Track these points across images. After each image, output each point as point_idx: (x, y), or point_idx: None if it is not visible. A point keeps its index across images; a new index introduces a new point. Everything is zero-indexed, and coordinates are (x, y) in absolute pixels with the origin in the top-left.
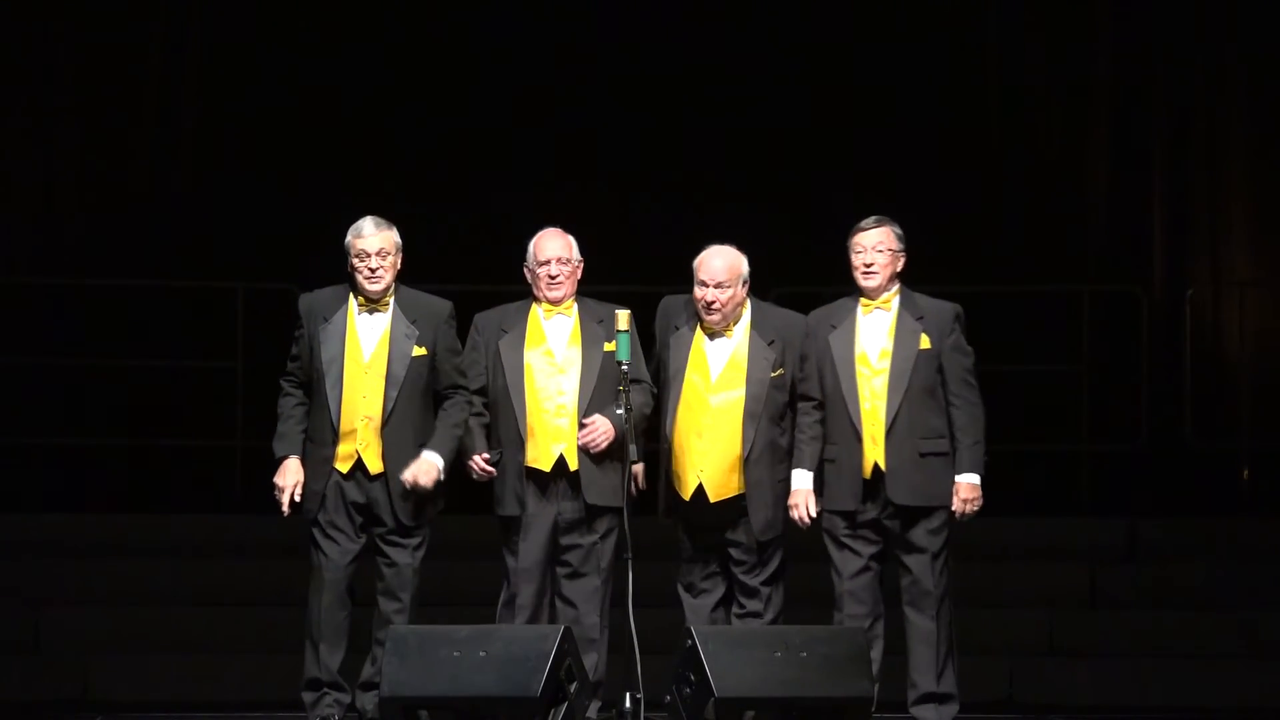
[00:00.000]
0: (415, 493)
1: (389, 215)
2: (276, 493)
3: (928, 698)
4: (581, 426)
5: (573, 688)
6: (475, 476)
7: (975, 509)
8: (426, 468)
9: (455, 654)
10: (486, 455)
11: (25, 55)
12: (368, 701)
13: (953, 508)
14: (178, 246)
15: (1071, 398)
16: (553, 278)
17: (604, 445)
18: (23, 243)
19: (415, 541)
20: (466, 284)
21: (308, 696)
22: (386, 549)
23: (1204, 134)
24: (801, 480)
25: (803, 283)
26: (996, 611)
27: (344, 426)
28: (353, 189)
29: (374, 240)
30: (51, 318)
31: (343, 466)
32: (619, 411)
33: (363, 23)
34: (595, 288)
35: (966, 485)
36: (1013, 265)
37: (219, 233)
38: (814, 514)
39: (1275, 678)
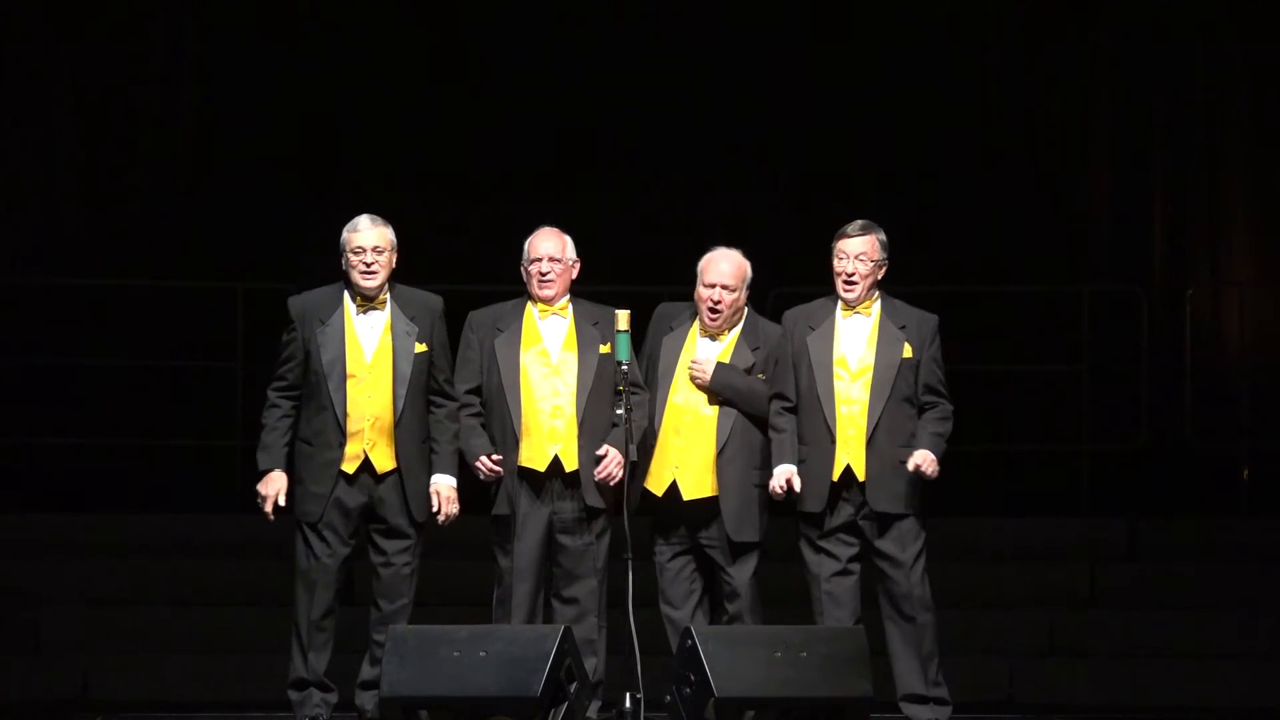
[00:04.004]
0: (427, 490)
1: (388, 214)
2: (260, 500)
3: (916, 698)
4: (579, 447)
5: (573, 688)
6: (483, 478)
7: (931, 471)
8: (448, 493)
9: (455, 654)
10: (497, 456)
11: (26, 56)
12: (367, 701)
13: (912, 462)
14: (177, 246)
15: (1071, 398)
16: (543, 274)
17: (619, 476)
18: (23, 243)
19: (413, 541)
20: (466, 284)
21: (294, 696)
22: (384, 549)
23: (1204, 134)
24: (785, 467)
25: (803, 283)
26: (996, 611)
27: (351, 427)
28: (352, 188)
29: (370, 236)
30: (51, 318)
31: (349, 467)
32: (619, 412)
33: (361, 22)
34: (595, 287)
35: (927, 456)
36: (1013, 265)
37: (218, 233)
38: (796, 489)
39: (1275, 678)
